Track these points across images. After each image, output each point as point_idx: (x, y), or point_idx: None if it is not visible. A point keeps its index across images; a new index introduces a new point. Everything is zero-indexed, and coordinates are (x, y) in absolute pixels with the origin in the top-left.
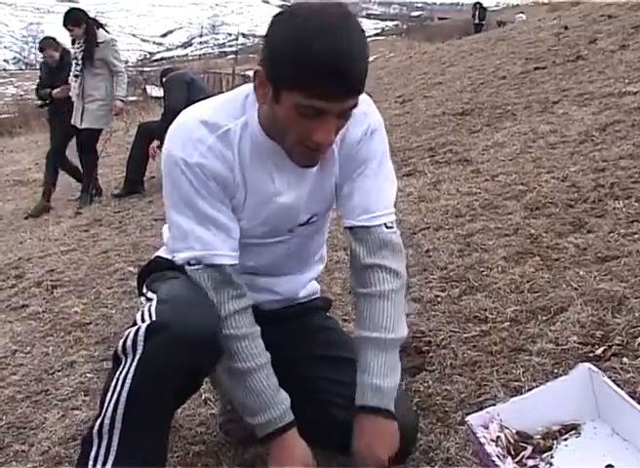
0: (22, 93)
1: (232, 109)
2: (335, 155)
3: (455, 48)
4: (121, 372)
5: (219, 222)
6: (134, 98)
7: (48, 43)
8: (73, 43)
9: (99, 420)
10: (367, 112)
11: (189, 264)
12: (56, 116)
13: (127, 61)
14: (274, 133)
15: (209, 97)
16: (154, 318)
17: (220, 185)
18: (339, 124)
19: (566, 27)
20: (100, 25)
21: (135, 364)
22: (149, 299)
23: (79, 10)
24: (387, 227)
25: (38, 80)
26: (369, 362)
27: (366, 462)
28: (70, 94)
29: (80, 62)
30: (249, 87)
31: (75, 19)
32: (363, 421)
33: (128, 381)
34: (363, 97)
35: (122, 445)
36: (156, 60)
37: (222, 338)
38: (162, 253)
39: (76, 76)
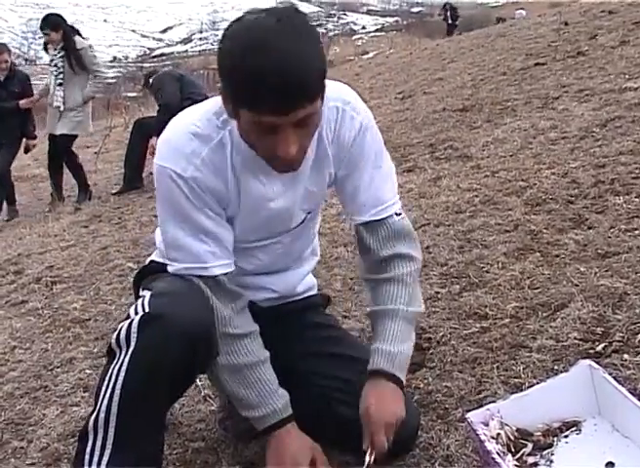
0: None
1: (220, 119)
2: (329, 155)
3: (455, 44)
4: (115, 366)
5: (213, 233)
6: (134, 94)
7: (3, 47)
8: (46, 49)
9: (93, 415)
10: (356, 110)
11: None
12: (7, 130)
13: (127, 57)
14: (248, 144)
15: (202, 91)
16: (147, 310)
17: (214, 197)
18: (301, 133)
19: (566, 23)
20: (77, 32)
21: (129, 356)
22: (143, 296)
23: (57, 15)
24: (397, 215)
25: None
26: (380, 330)
27: (373, 425)
28: (56, 103)
29: (62, 70)
30: None
31: (54, 23)
32: (371, 385)
33: (122, 374)
34: (350, 96)
35: (118, 439)
36: (156, 56)
37: (222, 337)
38: (156, 257)
39: (60, 85)
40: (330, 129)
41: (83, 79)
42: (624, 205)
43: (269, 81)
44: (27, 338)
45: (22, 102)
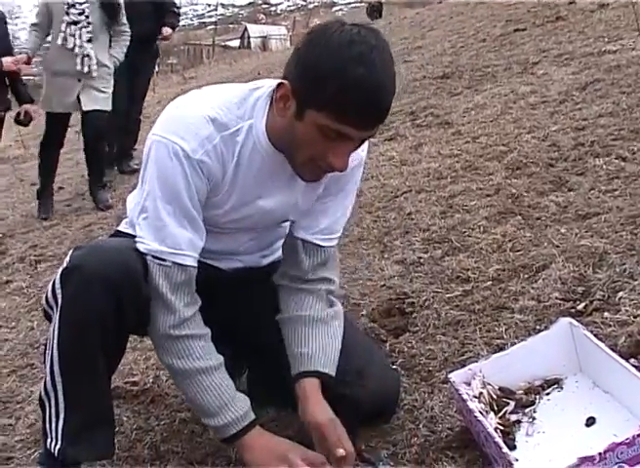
0: None
1: (242, 110)
2: (327, 177)
3: (435, 12)
4: (51, 327)
5: (195, 222)
6: None
7: None
8: None
9: (42, 382)
10: (363, 147)
11: (153, 257)
12: None
13: None
14: (284, 145)
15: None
16: (67, 264)
17: (210, 185)
18: (355, 150)
19: None
20: None
21: (58, 314)
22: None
23: None
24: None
25: None
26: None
27: (341, 433)
28: (80, 67)
29: (91, 21)
30: (261, 91)
31: None
32: (316, 391)
33: (56, 334)
34: None
35: (67, 399)
36: None
37: (176, 339)
38: (123, 226)
39: (89, 41)
40: None
41: (107, 38)
42: (604, 166)
43: (372, 97)
44: (13, 317)
45: (8, 62)
